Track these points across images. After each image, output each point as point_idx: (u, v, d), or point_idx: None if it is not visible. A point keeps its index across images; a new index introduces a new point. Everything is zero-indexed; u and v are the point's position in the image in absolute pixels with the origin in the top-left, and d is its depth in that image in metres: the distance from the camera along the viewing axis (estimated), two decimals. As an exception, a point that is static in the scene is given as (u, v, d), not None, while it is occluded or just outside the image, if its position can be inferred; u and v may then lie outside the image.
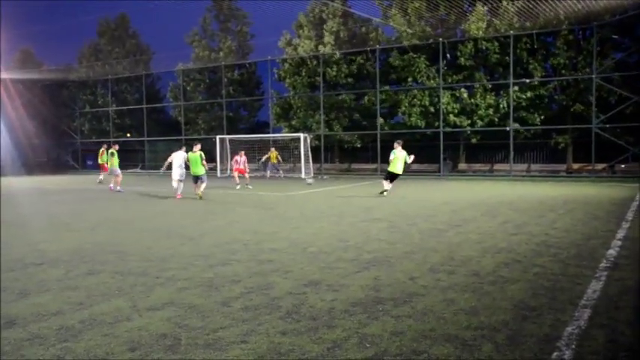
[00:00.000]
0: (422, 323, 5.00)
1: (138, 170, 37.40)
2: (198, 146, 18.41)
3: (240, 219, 12.79)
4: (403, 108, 30.68)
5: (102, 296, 6.08)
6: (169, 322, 5.13)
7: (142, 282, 6.69)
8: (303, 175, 29.19)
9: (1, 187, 23.77)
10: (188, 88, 39.54)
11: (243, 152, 24.01)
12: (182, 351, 4.42)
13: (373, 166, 32.62)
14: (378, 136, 30.52)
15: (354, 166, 35.55)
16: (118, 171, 21.62)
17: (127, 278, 6.90)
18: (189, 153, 18.30)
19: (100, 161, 26.50)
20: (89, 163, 42.63)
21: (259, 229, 10.95)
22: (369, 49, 32.48)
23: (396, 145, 18.02)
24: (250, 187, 22.24)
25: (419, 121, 30.16)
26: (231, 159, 28.94)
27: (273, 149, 29.87)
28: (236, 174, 23.41)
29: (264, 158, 29.73)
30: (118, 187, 21.17)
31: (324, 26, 35.07)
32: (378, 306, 5.55)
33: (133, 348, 4.50)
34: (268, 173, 29.56)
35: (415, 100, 30.32)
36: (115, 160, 21.65)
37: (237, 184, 22.63)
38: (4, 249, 9.23)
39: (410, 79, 30.93)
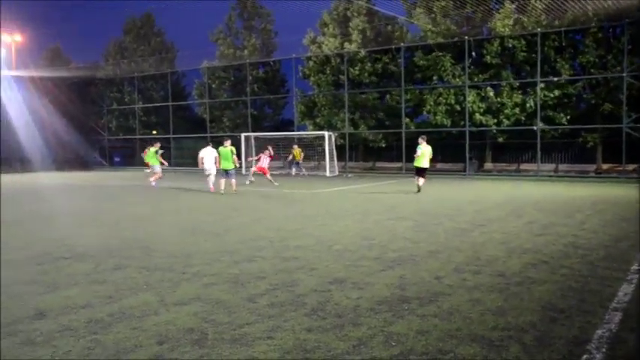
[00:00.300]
0: (448, 323, 4.97)
1: (164, 167, 37.71)
2: (229, 141, 19.03)
3: (265, 216, 12.85)
4: (428, 107, 30.45)
5: (129, 290, 6.16)
6: (196, 317, 5.18)
7: (168, 277, 6.76)
8: (327, 173, 29.19)
9: (30, 183, 24.21)
10: (213, 86, 39.79)
11: (270, 147, 23.71)
12: (209, 345, 4.46)
13: (398, 164, 32.46)
14: (403, 135, 30.35)
15: (379, 164, 35.45)
16: (158, 168, 22.57)
17: (154, 273, 6.98)
18: (221, 148, 18.79)
19: (146, 159, 27.54)
20: (116, 159, 43.21)
21: (284, 227, 10.98)
22: (393, 47, 32.32)
23: (420, 140, 18.30)
24: (277, 184, 21.89)
25: (444, 120, 29.91)
26: (257, 156, 29.00)
27: (295, 147, 30.01)
28: (253, 170, 23.25)
29: (290, 157, 29.90)
30: (153, 183, 21.73)
31: (350, 24, 34.99)
32: (404, 305, 5.53)
33: (160, 341, 4.55)
34: (293, 171, 29.63)
35: (440, 98, 30.07)
36: (156, 158, 22.62)
37: (250, 181, 22.58)
38: (34, 243, 9.41)
39: (435, 78, 30.71)
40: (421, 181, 18.28)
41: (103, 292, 6.08)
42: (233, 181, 18.57)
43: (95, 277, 6.85)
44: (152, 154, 22.62)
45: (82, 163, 40.76)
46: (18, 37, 41.19)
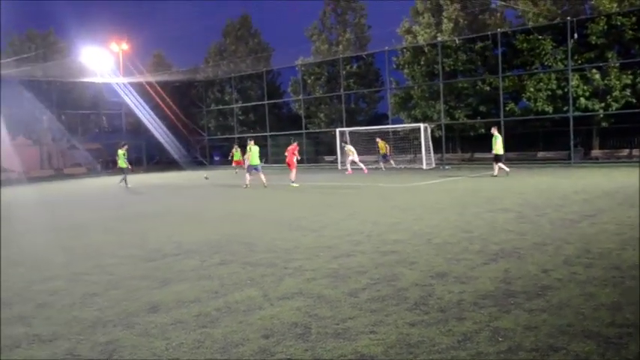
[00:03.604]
0: (558, 318, 4.75)
1: (263, 164, 38.68)
2: (252, 142, 21.47)
3: (360, 210, 12.86)
4: (528, 93, 29.18)
5: (234, 285, 6.38)
6: (299, 311, 5.28)
7: (270, 272, 6.93)
8: (424, 166, 28.74)
9: (140, 184, 25.66)
10: (308, 82, 40.32)
11: (296, 143, 22.53)
12: (313, 339, 4.53)
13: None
14: (502, 123, 29.23)
15: (477, 155, 34.45)
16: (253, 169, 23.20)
17: (257, 269, 7.18)
18: (251, 146, 21.03)
19: (235, 158, 29.40)
20: (216, 158, 44.84)
21: (380, 221, 10.94)
22: (489, 33, 31.24)
23: (494, 130, 21.67)
24: (295, 184, 20.70)
25: (546, 106, 28.54)
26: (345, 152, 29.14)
27: (379, 140, 29.88)
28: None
29: (381, 151, 29.74)
30: (247, 182, 22.36)
31: (443, 13, 34.21)
32: (510, 299, 5.35)
33: (266, 335, 4.68)
34: (382, 165, 29.46)
35: (541, 84, 28.73)
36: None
37: (293, 182, 20.99)
38: (145, 240, 9.97)
39: (537, 62, 29.33)
40: (503, 165, 21.07)
41: (209, 287, 6.34)
42: (262, 175, 20.67)
43: (202, 272, 7.15)
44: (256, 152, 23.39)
45: (184, 163, 42.68)
46: (125, 46, 43.73)
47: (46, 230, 12.25)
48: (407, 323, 4.80)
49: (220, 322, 5.08)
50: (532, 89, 28.93)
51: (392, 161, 29.81)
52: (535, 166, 26.37)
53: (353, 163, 26.55)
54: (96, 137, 44.56)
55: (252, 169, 20.99)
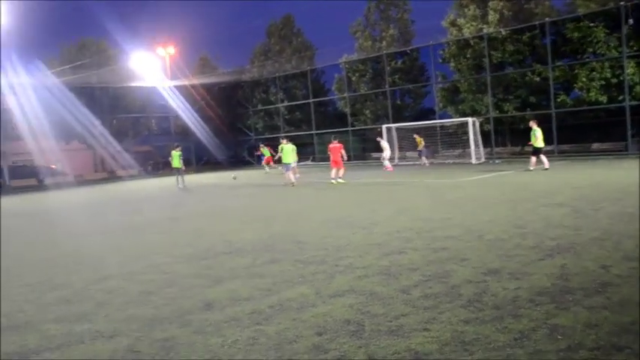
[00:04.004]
0: (620, 315, 4.59)
1: (309, 163, 38.85)
2: (285, 140, 22.71)
3: (410, 207, 12.75)
4: (580, 83, 28.30)
5: (286, 283, 6.43)
6: (352, 308, 5.27)
7: (321, 270, 6.95)
8: (473, 161, 28.28)
9: (192, 183, 26.17)
10: (353, 79, 40.26)
11: (336, 142, 21.71)
12: (366, 337, 4.52)
13: (548, 147, 30.56)
14: (553, 115, 28.45)
15: (528, 148, 33.63)
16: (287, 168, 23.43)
17: (308, 266, 7.21)
18: (284, 145, 22.25)
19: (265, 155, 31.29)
20: (263, 158, 45.30)
21: (431, 217, 10.83)
22: (537, 23, 30.43)
23: (532, 124, 21.20)
24: (338, 180, 20.64)
25: (599, 96, 27.62)
26: (398, 147, 29.13)
27: (416, 136, 29.87)
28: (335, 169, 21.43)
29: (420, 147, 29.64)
30: (293, 180, 22.54)
31: (489, 4, 33.53)
32: (567, 296, 5.20)
33: (319, 332, 4.70)
34: (424, 160, 29.14)
35: (594, 73, 27.82)
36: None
37: (333, 179, 20.84)
38: (197, 239, 10.16)
39: (588, 50, 28.40)
40: (543, 158, 20.94)
41: (262, 285, 6.40)
42: (290, 173, 21.57)
43: (254, 270, 7.24)
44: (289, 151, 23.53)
45: (232, 163, 43.29)
46: (172, 50, 44.60)
47: (102, 231, 12.62)
48: (461, 320, 4.73)
49: (274, 320, 5.13)
50: (584, 79, 28.05)
51: (424, 158, 29.43)
52: (589, 159, 25.58)
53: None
54: (145, 140, 45.71)
55: (285, 167, 21.85)
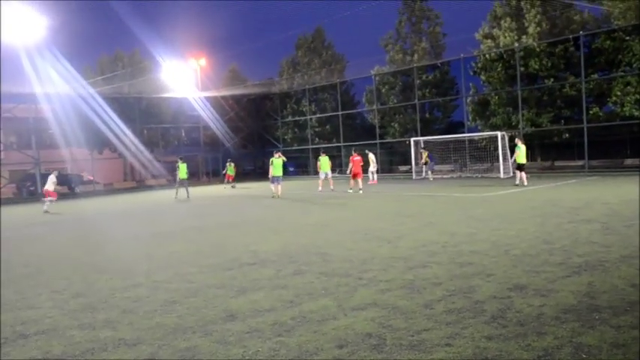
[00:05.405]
0: (649, 335, 4.49)
1: (336, 175, 38.88)
2: (277, 154, 23.29)
3: (436, 221, 12.66)
4: (614, 97, 27.81)
5: (309, 295, 6.43)
6: (374, 322, 5.25)
7: (345, 282, 6.94)
8: (501, 175, 27.98)
9: (215, 194, 26.35)
10: (382, 91, 40.27)
11: (356, 154, 23.99)
12: (387, 351, 4.49)
13: (579, 162, 30.10)
14: (585, 129, 28.01)
15: (558, 163, 33.19)
16: (323, 175, 24.60)
17: (331, 279, 7.21)
18: (274, 158, 22.90)
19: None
20: (291, 169, 45.48)
21: (456, 231, 10.73)
22: (571, 36, 30.05)
23: (518, 140, 22.34)
24: (359, 192, 22.48)
25: (634, 110, 27.10)
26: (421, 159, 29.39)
27: (422, 150, 30.54)
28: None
29: (422, 160, 29.89)
30: (320, 188, 23.03)
31: (526, 16, 33.15)
32: (594, 314, 5.10)
33: (340, 345, 4.69)
34: (429, 174, 29.34)
35: (629, 87, 27.32)
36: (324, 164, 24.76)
37: (351, 189, 23.16)
38: (222, 249, 10.23)
39: (623, 63, 27.91)
40: (523, 175, 21.72)
41: (285, 297, 6.42)
42: (279, 186, 22.40)
43: (277, 282, 7.26)
44: (325, 161, 24.08)
45: (260, 174, 43.53)
46: (203, 62, 45.26)
47: (129, 239, 12.81)
48: (484, 336, 4.68)
49: (295, 332, 5.14)
50: (619, 93, 27.59)
51: (429, 172, 29.70)
52: (621, 175, 25.08)
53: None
54: (175, 150, 46.36)
55: (273, 180, 22.75)
